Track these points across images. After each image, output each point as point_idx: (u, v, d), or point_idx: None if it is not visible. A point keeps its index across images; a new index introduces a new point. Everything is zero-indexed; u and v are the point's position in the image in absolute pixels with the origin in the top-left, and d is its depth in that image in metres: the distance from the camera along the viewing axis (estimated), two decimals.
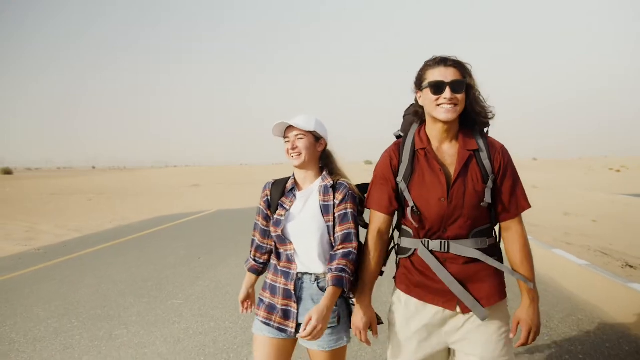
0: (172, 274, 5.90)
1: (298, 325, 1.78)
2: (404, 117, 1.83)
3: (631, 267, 5.68)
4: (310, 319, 1.58)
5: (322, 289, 1.77)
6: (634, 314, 3.99)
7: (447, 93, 1.51)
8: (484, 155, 1.58)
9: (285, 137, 1.87)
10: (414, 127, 1.70)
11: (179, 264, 6.56)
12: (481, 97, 1.60)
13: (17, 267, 6.74)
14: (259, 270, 2.01)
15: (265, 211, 1.93)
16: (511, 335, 1.59)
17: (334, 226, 1.79)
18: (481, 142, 1.60)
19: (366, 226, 1.81)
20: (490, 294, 1.58)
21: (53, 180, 44.67)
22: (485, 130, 1.67)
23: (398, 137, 1.80)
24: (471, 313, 1.57)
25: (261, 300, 1.90)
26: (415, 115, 1.69)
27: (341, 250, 1.74)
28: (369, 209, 1.73)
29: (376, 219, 1.69)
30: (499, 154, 1.59)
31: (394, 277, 1.76)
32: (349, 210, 1.79)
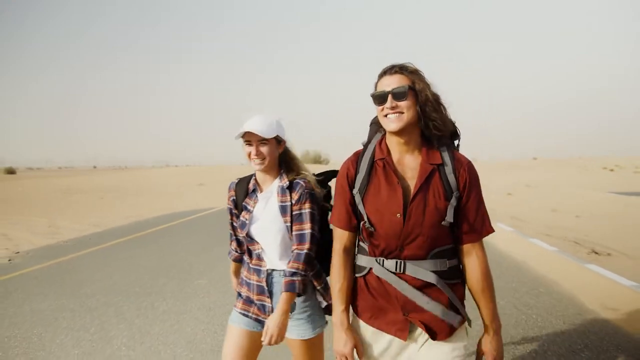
0: (194, 261, 6.71)
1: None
2: (370, 125, 1.69)
3: (596, 253, 6.50)
4: (267, 328, 1.70)
5: None
6: (585, 287, 4.84)
7: (389, 102, 1.43)
8: (448, 169, 1.46)
9: (246, 140, 1.82)
10: (377, 137, 1.59)
11: (199, 252, 7.37)
12: (441, 104, 1.48)
13: (51, 257, 7.55)
14: (241, 259, 2.05)
15: (234, 210, 1.97)
16: None
17: (291, 226, 1.81)
18: (446, 156, 1.48)
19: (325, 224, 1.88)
20: (447, 325, 1.48)
21: (57, 179, 45.44)
22: (456, 143, 1.59)
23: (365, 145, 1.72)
24: (423, 341, 1.50)
25: (239, 294, 1.99)
26: (379, 126, 1.59)
27: (295, 252, 1.79)
28: (332, 224, 1.63)
29: (339, 236, 1.59)
30: (465, 170, 1.47)
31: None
32: (304, 211, 1.80)
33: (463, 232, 1.48)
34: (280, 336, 1.71)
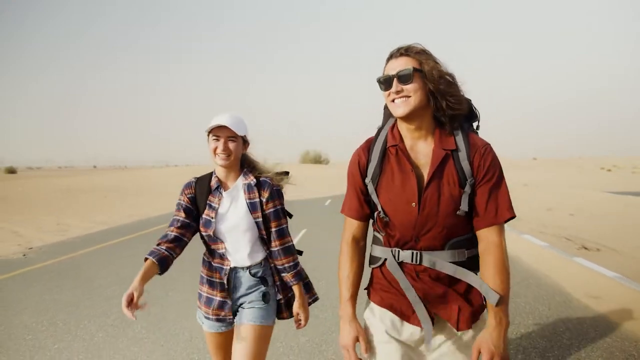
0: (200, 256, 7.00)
1: (234, 313, 1.94)
2: (384, 108, 1.61)
3: (586, 248, 6.81)
4: (299, 314, 1.96)
5: (254, 275, 1.90)
6: (571, 278, 5.17)
7: (394, 86, 1.36)
8: (462, 155, 1.38)
9: (214, 135, 1.82)
10: (389, 123, 1.53)
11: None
12: (454, 83, 1.38)
13: (63, 253, 7.85)
14: (165, 261, 1.74)
15: (189, 206, 1.89)
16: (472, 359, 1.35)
17: (264, 222, 1.87)
18: (460, 141, 1.40)
19: (290, 215, 1.97)
20: (465, 317, 1.40)
21: (59, 179, 45.69)
22: (475, 125, 1.50)
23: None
24: (447, 335, 1.44)
25: (200, 294, 1.99)
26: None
27: (281, 247, 1.90)
28: (342, 214, 1.59)
29: (349, 225, 1.55)
30: (480, 154, 1.37)
31: (366, 288, 1.61)
32: (279, 207, 1.90)
33: (478, 217, 1.38)
34: (306, 317, 1.97)
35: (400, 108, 1.37)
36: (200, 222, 1.88)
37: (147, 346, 3.51)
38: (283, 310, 1.99)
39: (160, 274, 1.73)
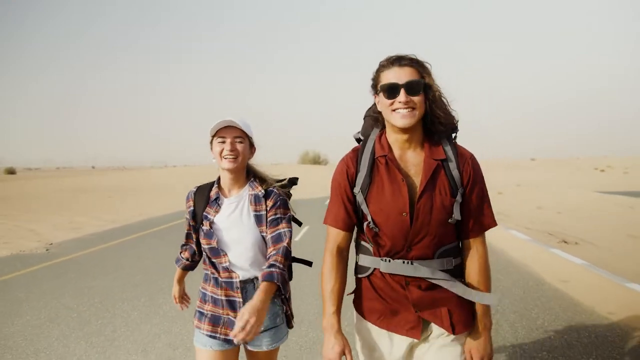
0: None
1: None
2: (364, 118, 1.63)
3: (565, 242, 7.46)
4: (242, 315, 1.42)
5: None
6: (546, 266, 5.83)
7: (402, 96, 1.35)
8: (452, 165, 1.42)
9: (220, 136, 1.71)
10: (375, 132, 1.53)
11: None
12: (444, 100, 1.43)
13: (83, 247, 8.45)
14: (190, 267, 2.01)
15: (191, 222, 1.84)
16: None
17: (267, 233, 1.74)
18: (449, 151, 1.44)
19: (299, 223, 1.88)
20: (453, 324, 1.44)
21: (62, 179, 46.21)
22: (453, 136, 1.51)
23: (358, 140, 1.63)
24: (434, 341, 1.47)
25: (201, 313, 1.82)
26: (375, 120, 1.54)
27: (274, 250, 1.68)
28: (326, 224, 1.56)
29: (333, 235, 1.52)
30: (468, 164, 1.43)
31: (354, 300, 1.61)
32: (279, 215, 1.74)
33: (465, 226, 1.44)
34: (258, 325, 1.44)
35: (405, 119, 1.37)
36: (201, 234, 1.77)
37: (179, 322, 4.11)
38: (288, 325, 1.85)
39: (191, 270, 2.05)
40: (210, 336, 1.78)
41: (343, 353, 1.42)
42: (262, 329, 1.74)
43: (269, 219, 1.74)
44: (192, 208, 1.83)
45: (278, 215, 1.75)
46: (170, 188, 26.95)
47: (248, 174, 1.83)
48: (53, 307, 4.67)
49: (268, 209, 1.75)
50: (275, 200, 1.76)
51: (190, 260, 1.96)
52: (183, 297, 2.13)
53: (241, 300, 1.74)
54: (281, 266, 1.63)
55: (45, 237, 10.04)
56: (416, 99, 1.37)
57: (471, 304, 1.47)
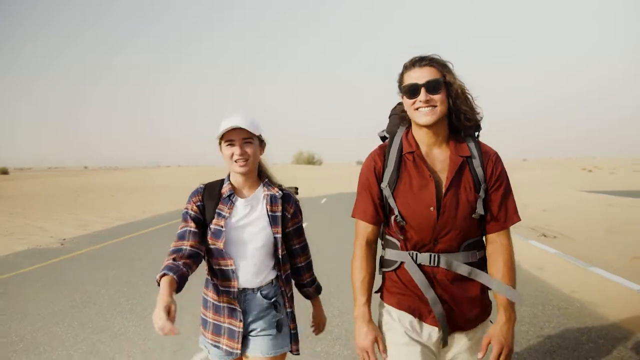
0: None
1: (244, 341, 1.70)
2: (389, 117, 1.69)
3: (545, 236, 8.12)
4: (320, 323, 1.98)
5: (266, 297, 1.71)
6: (524, 255, 6.46)
7: (422, 95, 1.42)
8: (476, 162, 1.48)
9: (227, 139, 1.65)
10: (401, 129, 1.59)
11: None
12: (469, 96, 1.49)
13: (95, 243, 8.98)
14: (185, 279, 1.51)
15: (199, 216, 1.70)
16: (480, 355, 1.47)
17: (284, 238, 1.73)
18: (473, 148, 1.50)
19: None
20: (477, 315, 1.52)
21: (56, 179, 46.35)
22: (477, 134, 1.56)
23: (383, 138, 1.68)
24: (461, 335, 1.53)
25: (205, 320, 1.78)
26: (402, 119, 1.60)
27: (305, 263, 1.86)
28: (354, 218, 1.60)
29: (362, 229, 1.57)
30: (492, 161, 1.49)
31: (379, 291, 1.65)
32: (301, 223, 1.83)
33: (490, 221, 1.49)
34: (324, 322, 2.01)
35: (427, 116, 1.43)
36: (208, 232, 1.69)
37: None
38: (292, 342, 1.77)
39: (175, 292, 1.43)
40: (214, 345, 1.74)
41: (375, 341, 1.50)
42: (258, 331, 1.71)
43: (292, 228, 1.78)
44: (201, 203, 1.72)
45: (300, 224, 1.84)
46: (170, 187, 27.39)
47: (260, 172, 1.80)
48: (84, 292, 5.22)
49: (289, 215, 1.76)
50: (295, 207, 1.80)
51: (185, 267, 1.53)
52: (174, 315, 1.38)
53: (240, 310, 1.67)
54: (313, 277, 1.93)
55: (55, 233, 10.54)
56: (437, 97, 1.43)
57: (487, 302, 1.55)
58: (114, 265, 6.67)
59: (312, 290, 1.91)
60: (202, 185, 1.78)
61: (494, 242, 1.50)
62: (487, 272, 1.51)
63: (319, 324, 1.98)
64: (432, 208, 1.44)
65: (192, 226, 1.68)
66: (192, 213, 1.71)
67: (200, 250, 1.66)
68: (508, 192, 1.51)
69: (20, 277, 6.17)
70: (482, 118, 1.53)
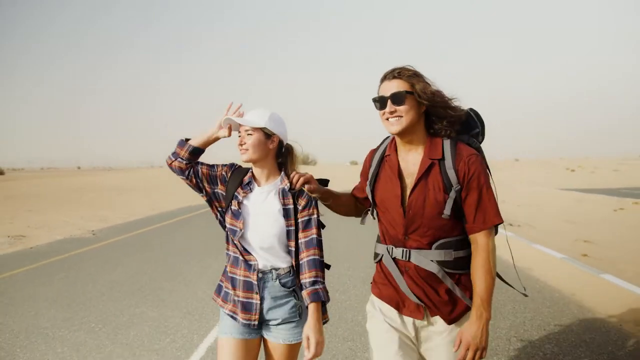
0: None
1: (261, 317, 1.77)
2: None
3: (510, 225, 9.51)
4: (309, 339, 1.62)
5: (284, 285, 1.77)
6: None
7: (388, 107, 1.53)
8: (447, 164, 1.52)
9: (239, 131, 1.81)
10: (390, 136, 1.72)
11: None
12: (446, 98, 1.57)
13: (122, 233, 10.23)
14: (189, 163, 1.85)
15: (216, 175, 1.87)
16: (453, 349, 1.52)
17: (295, 231, 1.77)
18: (448, 151, 1.54)
19: (323, 226, 1.88)
20: (454, 311, 1.56)
21: (53, 179, 46.64)
22: (476, 133, 1.65)
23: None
24: (439, 325, 1.58)
25: (221, 287, 1.90)
26: None
27: (307, 259, 1.74)
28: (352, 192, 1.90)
29: (356, 189, 1.90)
30: (464, 162, 1.51)
31: (372, 283, 1.78)
32: (313, 217, 1.79)
33: (467, 222, 1.54)
34: (323, 341, 1.67)
35: (394, 126, 1.55)
36: (228, 214, 1.82)
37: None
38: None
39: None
40: (231, 316, 1.81)
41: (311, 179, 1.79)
42: (280, 321, 1.78)
43: (301, 220, 1.78)
44: (226, 174, 1.87)
45: (311, 217, 1.79)
46: (170, 187, 28.01)
47: (280, 167, 1.87)
48: (128, 268, 6.50)
49: (300, 207, 1.79)
50: (308, 199, 1.80)
51: (192, 162, 1.85)
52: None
53: (257, 284, 1.77)
54: (323, 281, 1.73)
55: (81, 226, 11.56)
56: (401, 108, 1.52)
57: (456, 300, 1.58)
58: (146, 250, 7.96)
59: (305, 294, 1.71)
60: (236, 165, 1.93)
61: (474, 243, 1.55)
62: (465, 272, 1.58)
63: (307, 340, 1.65)
64: (399, 206, 1.59)
65: (208, 165, 1.88)
66: (216, 169, 1.88)
67: (197, 175, 1.85)
68: (484, 192, 1.52)
69: (76, 256, 7.47)
70: (463, 112, 1.63)
